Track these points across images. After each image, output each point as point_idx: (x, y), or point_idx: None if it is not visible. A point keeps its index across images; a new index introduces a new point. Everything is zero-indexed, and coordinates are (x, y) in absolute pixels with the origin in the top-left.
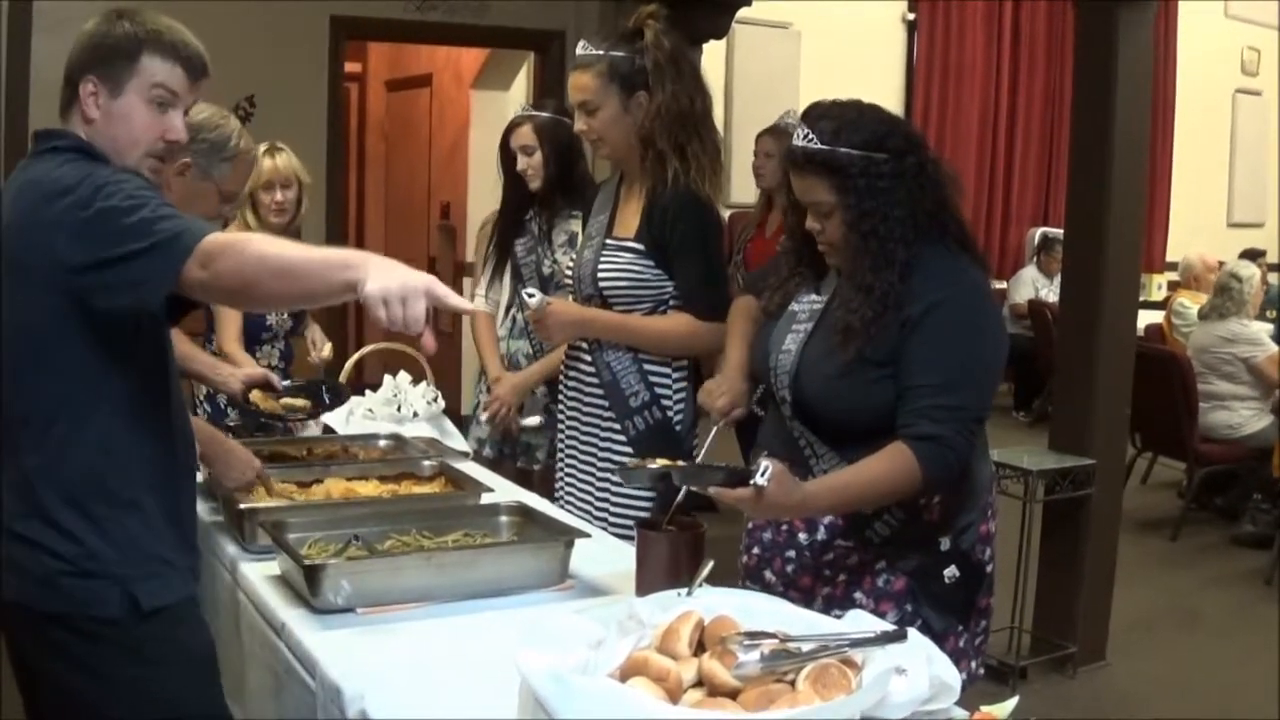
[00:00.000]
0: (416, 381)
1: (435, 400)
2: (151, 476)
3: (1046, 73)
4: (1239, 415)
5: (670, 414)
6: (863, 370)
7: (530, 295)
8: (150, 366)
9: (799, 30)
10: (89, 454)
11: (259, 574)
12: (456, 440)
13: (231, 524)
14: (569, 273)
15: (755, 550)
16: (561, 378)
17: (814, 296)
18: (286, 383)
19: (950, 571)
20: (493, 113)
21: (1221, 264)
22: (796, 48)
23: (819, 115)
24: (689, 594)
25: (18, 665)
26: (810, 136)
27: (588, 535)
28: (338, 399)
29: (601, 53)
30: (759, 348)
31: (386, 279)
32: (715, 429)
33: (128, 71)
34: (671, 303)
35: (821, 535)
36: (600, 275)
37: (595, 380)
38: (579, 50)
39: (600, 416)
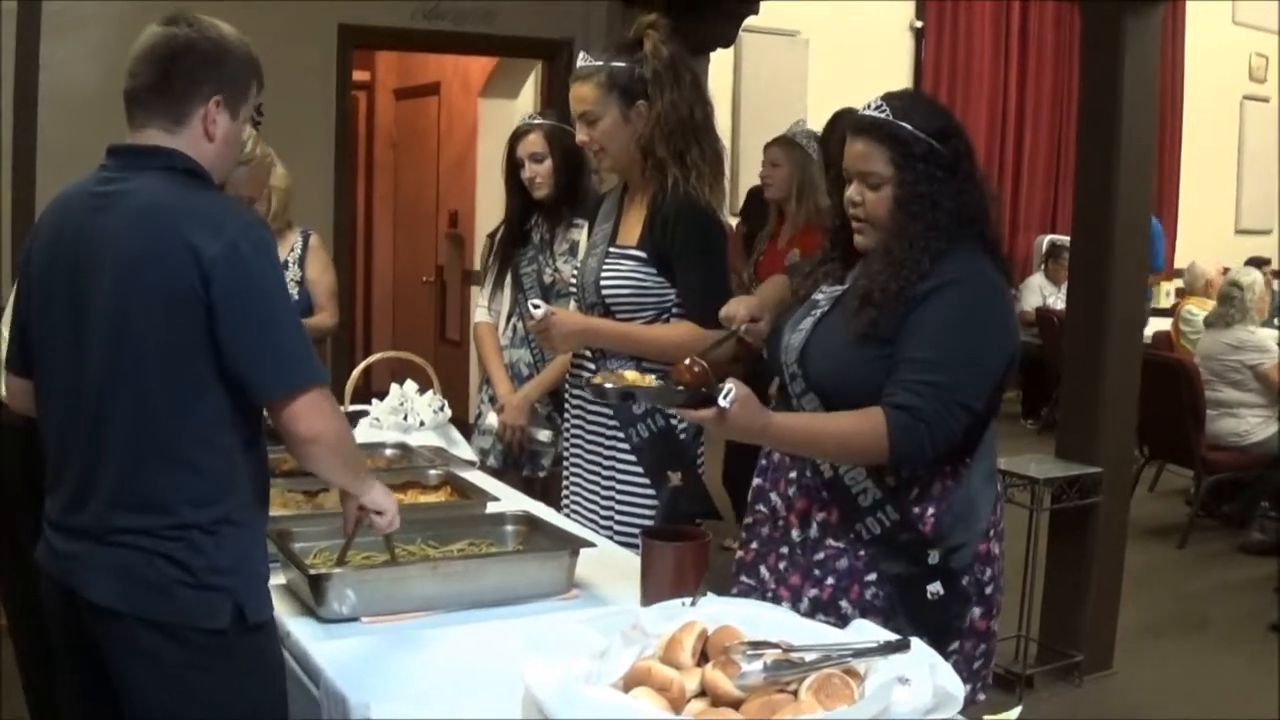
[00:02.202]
0: (423, 390)
1: (442, 409)
2: (254, 492)
3: (1054, 79)
4: (1247, 423)
5: (673, 421)
6: (869, 346)
7: (535, 306)
8: None
9: (806, 38)
10: (214, 467)
11: None
12: (463, 449)
13: None
14: (573, 281)
15: (754, 545)
16: (566, 388)
17: (837, 286)
18: None
19: (934, 587)
20: (501, 121)
21: (1226, 270)
22: (804, 55)
23: (892, 95)
24: (693, 604)
25: (87, 671)
26: (882, 107)
27: (593, 545)
28: None
29: (601, 63)
30: (776, 335)
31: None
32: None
33: (245, 96)
34: (674, 311)
35: (814, 532)
36: (603, 283)
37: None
38: (580, 62)
39: (604, 425)
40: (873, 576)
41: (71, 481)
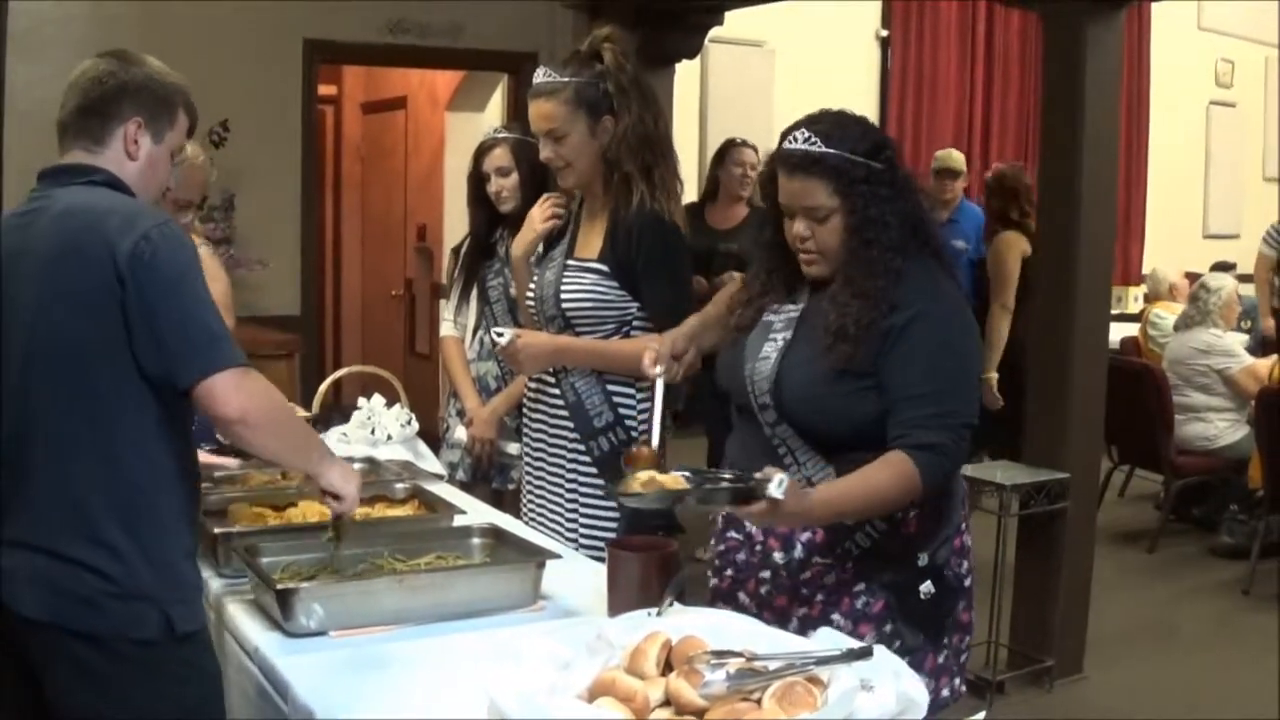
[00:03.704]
0: (391, 404)
1: (409, 423)
2: (183, 501)
3: (1020, 87)
4: (1215, 427)
5: (635, 434)
6: (844, 381)
7: (500, 334)
8: (178, 396)
9: (773, 48)
10: (139, 475)
11: (232, 597)
12: (430, 463)
13: (206, 547)
14: (530, 294)
15: (729, 572)
16: (526, 402)
17: (790, 307)
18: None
19: (926, 587)
20: (468, 135)
21: (1190, 275)
22: (770, 66)
23: (814, 120)
24: (659, 614)
25: (19, 682)
26: (811, 139)
27: (559, 556)
28: None
29: (566, 79)
30: (728, 361)
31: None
32: (659, 382)
33: (169, 122)
34: (635, 324)
35: (799, 553)
36: (563, 296)
37: (560, 402)
38: (540, 77)
39: (566, 438)
40: (861, 586)
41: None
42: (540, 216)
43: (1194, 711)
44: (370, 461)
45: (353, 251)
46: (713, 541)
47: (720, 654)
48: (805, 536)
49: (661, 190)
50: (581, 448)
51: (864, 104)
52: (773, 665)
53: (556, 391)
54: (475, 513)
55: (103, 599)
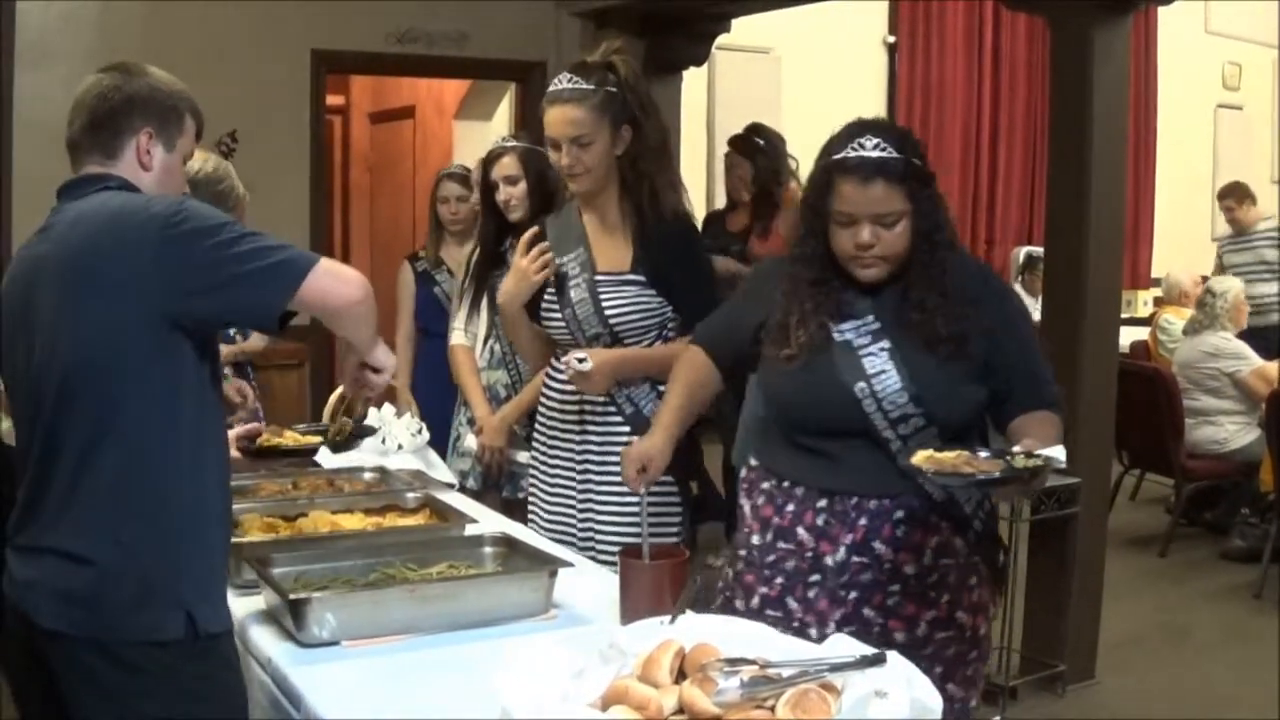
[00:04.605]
0: (401, 414)
1: (420, 432)
2: (214, 497)
3: (1028, 92)
4: (1225, 430)
5: (693, 433)
6: (971, 375)
7: (581, 360)
8: (212, 386)
9: (779, 55)
10: (164, 475)
11: (245, 608)
12: (441, 472)
13: None
14: (555, 318)
15: (779, 580)
16: (562, 420)
17: (857, 321)
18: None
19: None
20: (475, 143)
21: (1205, 279)
22: (777, 72)
23: (871, 128)
24: (672, 622)
25: (45, 700)
26: (882, 145)
27: (571, 565)
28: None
29: (594, 86)
30: (802, 386)
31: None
32: (643, 500)
33: (178, 129)
34: (670, 328)
35: (927, 559)
36: (609, 312)
37: (618, 416)
38: (563, 84)
39: (574, 445)
40: (975, 579)
41: (24, 500)
42: (534, 269)
43: (1206, 715)
44: (381, 471)
45: (361, 261)
46: (742, 551)
47: (734, 661)
48: (934, 541)
49: (684, 196)
50: (596, 454)
51: (871, 110)
52: (786, 672)
53: (612, 406)
54: (487, 522)
55: (120, 602)
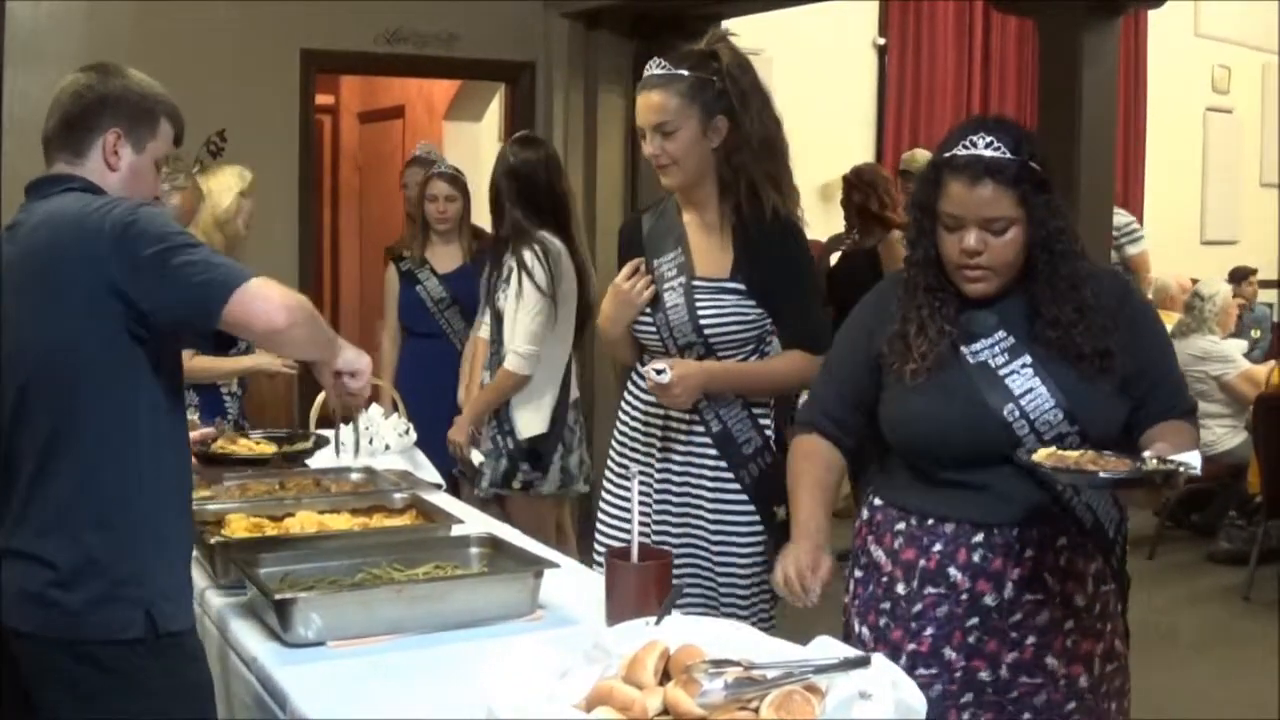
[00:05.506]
0: (388, 412)
1: (407, 433)
2: (172, 497)
3: (1017, 95)
4: (1213, 433)
5: (779, 456)
6: (1120, 390)
7: (659, 371)
8: (172, 394)
9: (770, 57)
10: (122, 477)
11: (230, 607)
12: (428, 472)
13: (203, 558)
14: (647, 323)
15: (929, 631)
16: (624, 424)
17: (988, 340)
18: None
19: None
20: (465, 144)
21: (1193, 282)
22: (768, 73)
23: (992, 126)
24: (657, 623)
25: (20, 705)
26: (994, 144)
27: (557, 565)
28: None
29: (684, 72)
30: (936, 414)
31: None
32: (634, 499)
33: (150, 132)
34: (769, 341)
35: (1091, 587)
36: (704, 321)
37: (702, 431)
38: (654, 69)
39: (708, 468)
40: (1071, 624)
41: None
42: (636, 290)
43: (1193, 717)
44: (368, 471)
45: (350, 261)
46: (886, 605)
47: (718, 663)
48: (1093, 568)
49: (790, 198)
50: (729, 475)
51: (861, 112)
52: (771, 674)
53: (699, 422)
54: (473, 522)
55: (84, 601)
